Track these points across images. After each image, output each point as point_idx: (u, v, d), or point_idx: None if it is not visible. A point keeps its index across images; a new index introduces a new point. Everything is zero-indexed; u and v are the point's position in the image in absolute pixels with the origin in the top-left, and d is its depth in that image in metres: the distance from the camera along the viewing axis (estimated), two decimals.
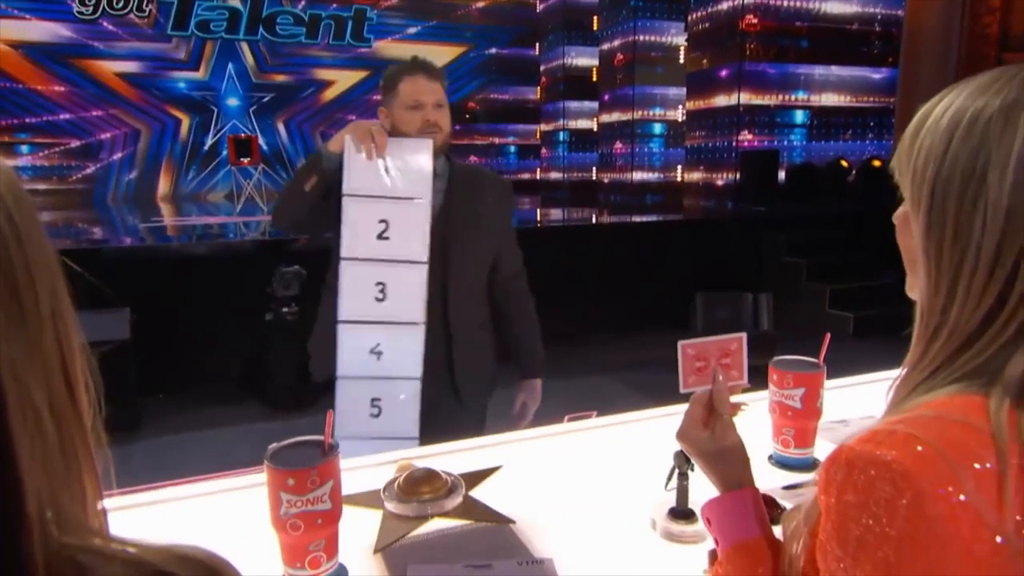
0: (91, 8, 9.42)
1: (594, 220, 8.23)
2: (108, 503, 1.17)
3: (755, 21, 8.58)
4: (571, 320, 5.37)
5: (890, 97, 8.93)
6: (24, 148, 9.67)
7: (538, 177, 12.74)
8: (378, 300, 1.68)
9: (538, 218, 9.09)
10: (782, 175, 8.36)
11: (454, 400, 1.86)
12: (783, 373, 1.23)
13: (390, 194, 1.68)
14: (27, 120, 9.53)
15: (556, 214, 9.40)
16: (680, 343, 0.93)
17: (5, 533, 0.37)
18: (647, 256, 5.83)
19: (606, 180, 11.45)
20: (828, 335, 1.24)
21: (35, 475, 0.38)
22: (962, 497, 0.49)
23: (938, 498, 0.49)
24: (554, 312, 5.14)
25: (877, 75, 9.07)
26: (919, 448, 0.51)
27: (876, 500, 0.51)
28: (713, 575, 0.79)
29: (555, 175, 12.42)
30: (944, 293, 0.59)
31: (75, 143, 9.89)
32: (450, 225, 1.80)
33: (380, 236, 1.68)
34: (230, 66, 10.43)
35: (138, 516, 1.14)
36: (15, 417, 0.38)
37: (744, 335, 0.96)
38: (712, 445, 0.84)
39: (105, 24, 9.60)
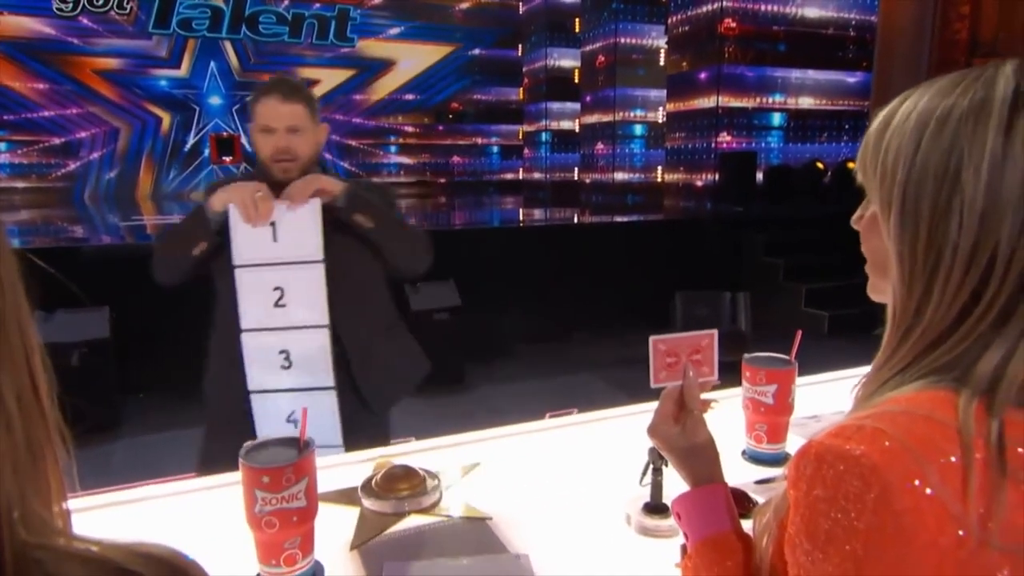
0: (71, 4, 9.30)
1: (576, 220, 8.26)
2: (86, 502, 1.17)
3: (734, 25, 8.65)
4: (553, 318, 5.40)
5: (864, 100, 9.05)
6: (2, 146, 9.52)
7: (520, 177, 12.77)
8: (284, 368, 1.63)
9: (520, 218, 9.12)
10: (760, 176, 8.44)
11: (364, 410, 1.75)
12: (756, 370, 1.25)
13: (282, 260, 1.61)
14: (5, 117, 9.40)
15: (538, 214, 9.44)
16: (651, 338, 0.94)
17: None
18: (629, 255, 5.86)
19: (588, 180, 11.50)
20: (799, 332, 1.26)
21: (5, 473, 0.38)
22: (928, 491, 0.50)
23: (905, 492, 0.50)
24: (536, 311, 5.21)
25: (852, 79, 9.18)
26: (887, 443, 0.52)
27: (845, 494, 0.52)
28: (683, 568, 0.80)
29: (537, 175, 12.45)
30: (918, 293, 0.59)
31: (54, 141, 9.77)
32: (328, 241, 1.64)
33: (277, 304, 1.61)
34: (212, 64, 10.35)
35: (115, 515, 1.13)
36: None
37: (715, 332, 0.98)
38: (683, 441, 0.85)
39: (85, 21, 9.49)
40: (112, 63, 9.81)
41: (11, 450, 0.38)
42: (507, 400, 4.33)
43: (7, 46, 9.22)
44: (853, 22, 9.02)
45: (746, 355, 1.26)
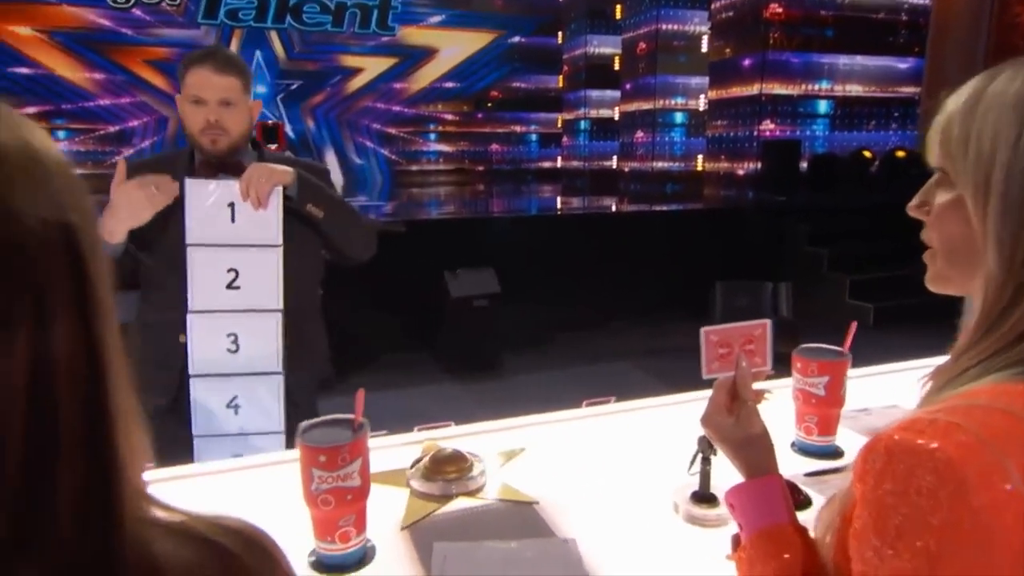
0: None
1: (614, 208, 8.21)
2: (148, 476, 1.21)
3: (779, 10, 8.45)
4: (591, 306, 5.39)
5: (916, 87, 8.79)
6: (61, 134, 9.82)
7: (559, 165, 12.71)
8: (231, 352, 1.59)
9: (559, 206, 9.09)
10: (804, 165, 8.27)
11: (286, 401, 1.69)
12: (807, 361, 1.24)
13: (239, 242, 1.58)
14: (62, 107, 9.69)
15: (576, 202, 9.40)
16: (703, 329, 0.93)
17: (111, 501, 0.39)
18: (668, 244, 5.82)
19: (627, 169, 11.40)
20: (854, 323, 1.24)
21: (122, 438, 0.40)
22: (1008, 486, 0.48)
23: (983, 487, 0.49)
24: (574, 299, 5.20)
25: (903, 65, 8.90)
26: (962, 437, 0.51)
27: (917, 489, 0.50)
28: (737, 560, 0.78)
29: (576, 163, 12.38)
30: (1019, 279, 0.57)
31: (109, 129, 10.04)
32: None
33: (230, 286, 1.58)
34: (258, 54, 10.49)
35: (177, 489, 1.17)
36: (113, 386, 0.39)
37: (768, 322, 0.97)
38: (738, 432, 0.84)
39: (137, 12, 9.71)
40: (162, 52, 10.01)
41: (123, 414, 0.40)
42: (544, 387, 4.34)
43: (65, 37, 9.49)
44: (905, 6, 8.74)
45: (799, 346, 1.25)
